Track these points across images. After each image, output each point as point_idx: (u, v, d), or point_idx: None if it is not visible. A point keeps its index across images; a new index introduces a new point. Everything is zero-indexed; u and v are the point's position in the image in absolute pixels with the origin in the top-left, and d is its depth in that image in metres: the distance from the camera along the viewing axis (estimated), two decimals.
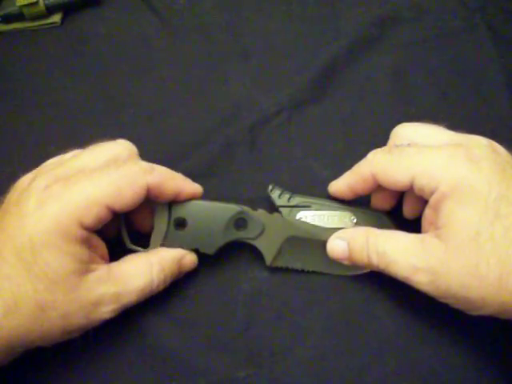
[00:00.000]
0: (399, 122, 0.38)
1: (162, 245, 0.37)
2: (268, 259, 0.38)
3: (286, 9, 0.52)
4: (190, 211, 0.36)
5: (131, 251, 0.37)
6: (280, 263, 0.38)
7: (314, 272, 0.39)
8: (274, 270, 0.39)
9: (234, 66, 0.49)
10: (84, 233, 0.32)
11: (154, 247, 0.37)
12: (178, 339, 0.37)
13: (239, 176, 0.43)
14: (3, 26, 0.52)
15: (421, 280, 0.32)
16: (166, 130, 0.46)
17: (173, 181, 0.35)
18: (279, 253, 0.38)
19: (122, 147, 0.36)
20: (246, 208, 0.37)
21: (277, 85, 0.48)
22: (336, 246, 0.37)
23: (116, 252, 0.36)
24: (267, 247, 0.38)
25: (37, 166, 0.37)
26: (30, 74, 0.50)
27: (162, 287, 0.36)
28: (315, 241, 0.38)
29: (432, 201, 0.32)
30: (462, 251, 0.30)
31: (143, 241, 0.37)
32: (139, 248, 0.37)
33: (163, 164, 0.37)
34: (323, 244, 0.38)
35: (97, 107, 0.48)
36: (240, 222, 0.37)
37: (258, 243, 0.38)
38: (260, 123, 0.46)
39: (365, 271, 0.38)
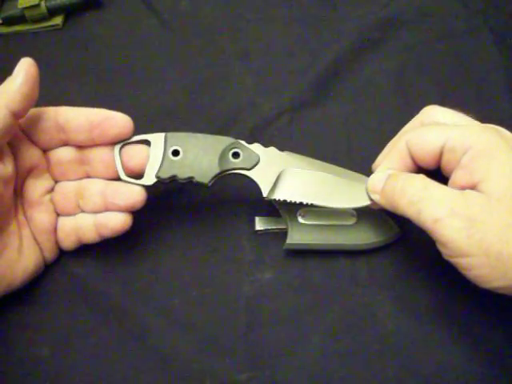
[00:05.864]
0: (401, 124, 0.38)
1: (157, 176, 0.37)
2: (265, 191, 0.37)
3: (287, 11, 0.53)
4: (185, 142, 0.37)
5: None
6: (277, 195, 0.38)
7: (312, 205, 0.38)
8: (276, 272, 0.40)
9: (235, 69, 0.50)
10: None
11: (149, 177, 0.37)
12: (180, 342, 0.37)
13: (240, 178, 0.43)
14: (5, 28, 0.53)
15: (454, 224, 0.31)
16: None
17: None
18: (276, 185, 0.38)
19: None
20: (240, 141, 0.38)
21: (278, 87, 0.48)
22: (375, 178, 0.36)
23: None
24: (263, 179, 0.37)
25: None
26: None
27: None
28: (312, 173, 0.38)
29: (464, 160, 0.33)
30: (503, 202, 0.31)
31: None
32: (133, 180, 0.37)
33: None
34: (320, 176, 0.38)
35: None
36: (235, 155, 0.37)
37: (253, 174, 0.37)
38: (261, 125, 0.46)
39: (366, 203, 0.37)
